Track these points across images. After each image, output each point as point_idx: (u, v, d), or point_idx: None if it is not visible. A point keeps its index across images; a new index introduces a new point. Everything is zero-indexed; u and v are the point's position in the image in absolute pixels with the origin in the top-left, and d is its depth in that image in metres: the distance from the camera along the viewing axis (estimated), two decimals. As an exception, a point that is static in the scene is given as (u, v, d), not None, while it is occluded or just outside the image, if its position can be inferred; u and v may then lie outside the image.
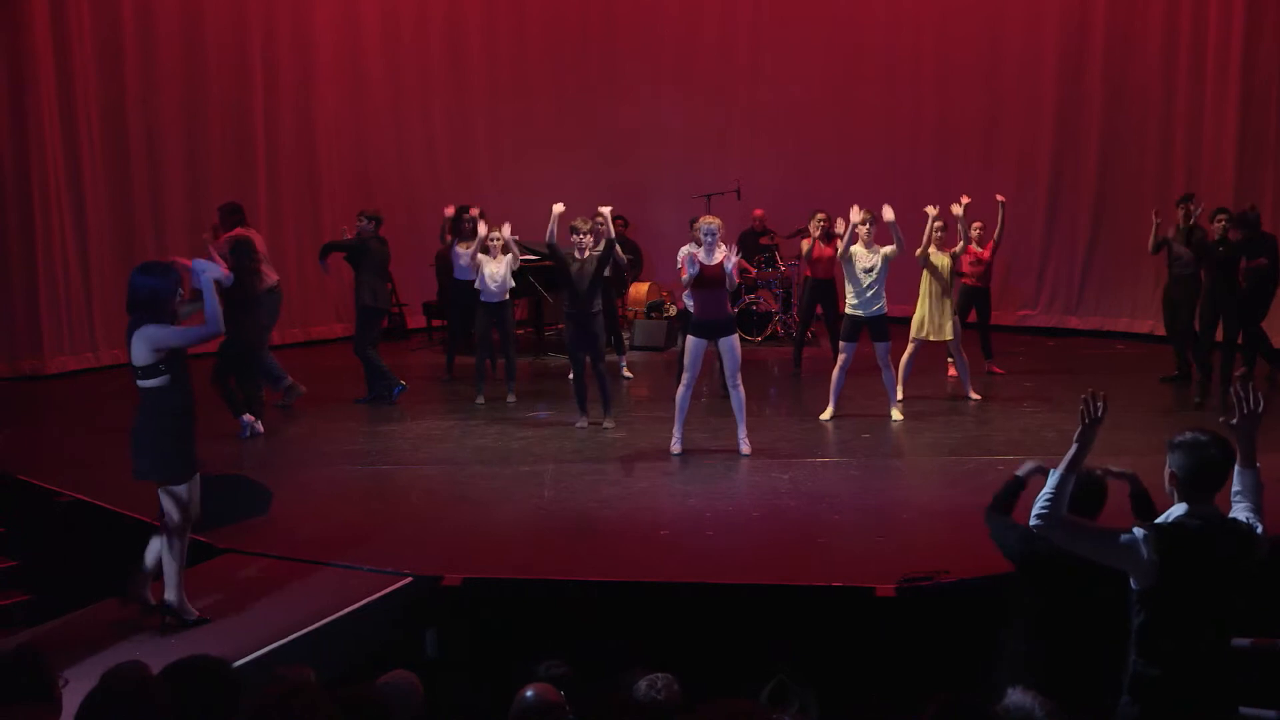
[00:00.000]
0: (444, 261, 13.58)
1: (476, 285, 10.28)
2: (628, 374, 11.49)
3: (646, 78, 15.35)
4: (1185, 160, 12.80)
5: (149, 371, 5.29)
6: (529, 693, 3.53)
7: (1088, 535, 3.74)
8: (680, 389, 8.45)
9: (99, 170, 11.98)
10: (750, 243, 14.07)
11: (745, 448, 8.37)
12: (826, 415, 9.39)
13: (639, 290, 13.68)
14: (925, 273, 9.98)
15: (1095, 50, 13.39)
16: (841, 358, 9.38)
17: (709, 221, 8.55)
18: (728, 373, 8.40)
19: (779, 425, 9.38)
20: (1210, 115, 12.68)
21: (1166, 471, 3.75)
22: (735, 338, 8.39)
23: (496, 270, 10.17)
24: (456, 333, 11.47)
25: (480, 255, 10.23)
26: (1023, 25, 13.90)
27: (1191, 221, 10.26)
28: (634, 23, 15.42)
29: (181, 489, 5.41)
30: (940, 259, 9.97)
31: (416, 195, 14.41)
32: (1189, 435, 3.71)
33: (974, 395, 10.05)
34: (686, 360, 8.48)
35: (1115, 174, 13.38)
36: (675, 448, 8.46)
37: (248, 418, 9.00)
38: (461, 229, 10.90)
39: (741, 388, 8.37)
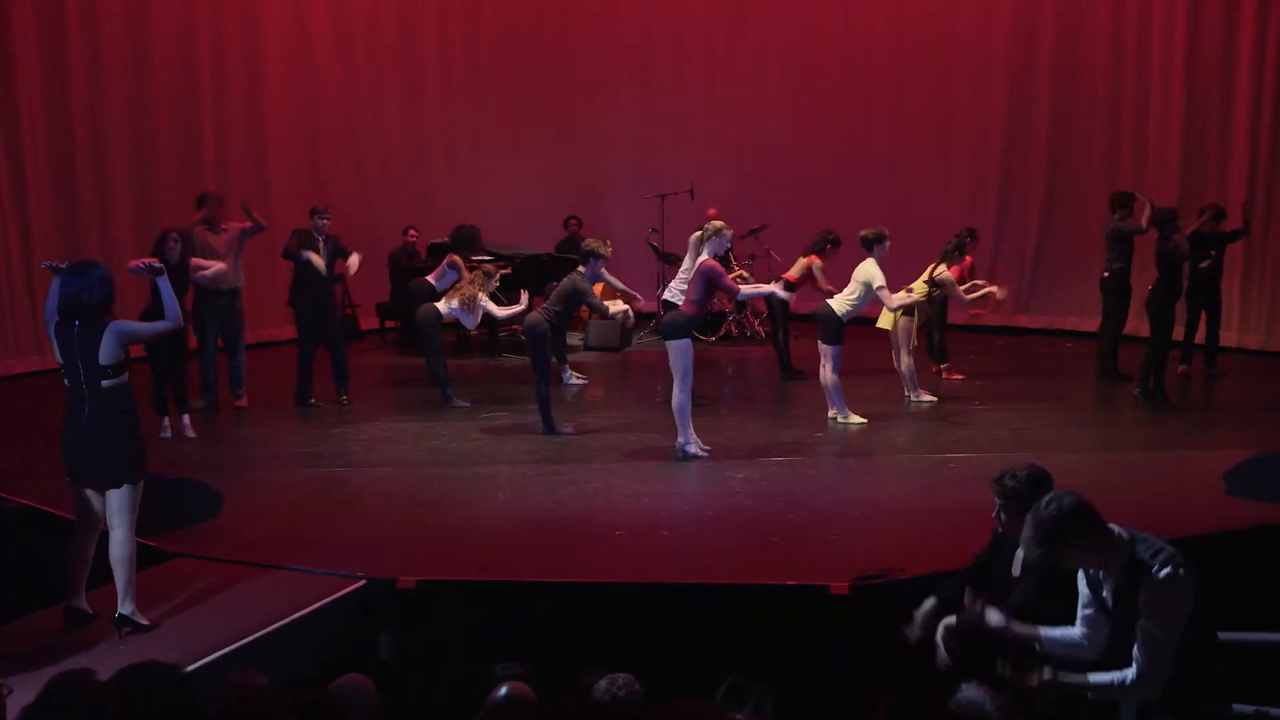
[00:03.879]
0: (397, 264, 13.46)
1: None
2: (579, 378, 11.29)
3: (601, 77, 15.36)
4: (1131, 161, 13.01)
5: (117, 370, 5.28)
6: (502, 690, 3.49)
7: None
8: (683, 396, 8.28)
9: (42, 170, 11.78)
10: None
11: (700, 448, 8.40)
12: (855, 420, 9.24)
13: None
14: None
15: (1043, 55, 13.59)
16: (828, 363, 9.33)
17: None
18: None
19: (733, 425, 9.41)
20: (1155, 118, 12.90)
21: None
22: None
23: (473, 320, 10.50)
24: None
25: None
26: (973, 29, 14.07)
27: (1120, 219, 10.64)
28: (589, 22, 15.41)
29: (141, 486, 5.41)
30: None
31: (370, 195, 14.32)
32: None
33: (927, 397, 10.08)
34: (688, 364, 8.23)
35: (1063, 176, 13.58)
36: (699, 449, 8.33)
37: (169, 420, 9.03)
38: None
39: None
